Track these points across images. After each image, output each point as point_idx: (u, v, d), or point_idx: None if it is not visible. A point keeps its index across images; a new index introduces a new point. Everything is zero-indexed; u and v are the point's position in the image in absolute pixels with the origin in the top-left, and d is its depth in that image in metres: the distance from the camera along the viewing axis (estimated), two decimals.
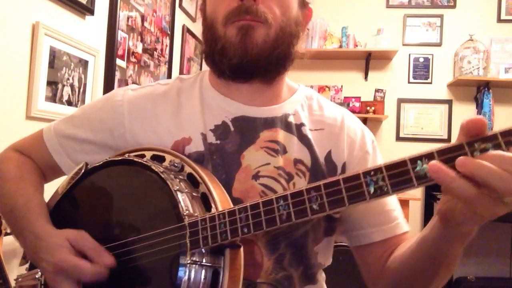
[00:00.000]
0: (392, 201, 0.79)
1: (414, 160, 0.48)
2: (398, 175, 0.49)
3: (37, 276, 0.72)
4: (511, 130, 0.44)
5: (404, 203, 3.00)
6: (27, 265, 0.78)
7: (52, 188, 0.82)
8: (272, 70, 0.76)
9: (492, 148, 0.45)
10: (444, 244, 0.59)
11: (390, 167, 0.49)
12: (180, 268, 0.58)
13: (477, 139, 0.46)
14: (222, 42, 0.71)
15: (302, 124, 0.78)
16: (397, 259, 0.72)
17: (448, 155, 0.47)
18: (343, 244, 1.77)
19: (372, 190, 0.50)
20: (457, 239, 0.57)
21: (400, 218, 0.79)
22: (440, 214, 0.55)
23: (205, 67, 0.82)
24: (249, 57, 0.71)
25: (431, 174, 0.46)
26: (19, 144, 0.87)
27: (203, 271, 0.59)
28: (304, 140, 0.77)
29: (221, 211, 0.60)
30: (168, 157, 0.72)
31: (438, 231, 0.58)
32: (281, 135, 0.76)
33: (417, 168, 0.48)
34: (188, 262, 0.58)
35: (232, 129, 0.76)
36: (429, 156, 0.47)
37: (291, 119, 0.78)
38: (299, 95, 0.83)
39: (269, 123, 0.77)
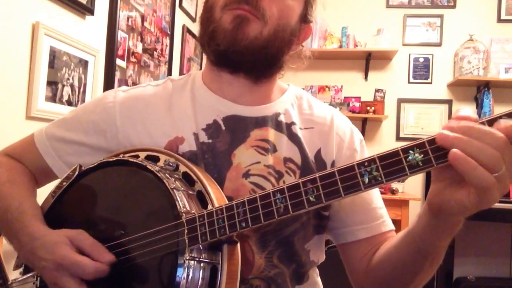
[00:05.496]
0: (377, 200, 0.80)
1: (406, 150, 0.50)
2: (391, 165, 0.51)
3: (32, 279, 0.71)
4: (496, 117, 0.47)
5: (404, 203, 3.00)
6: (21, 269, 0.76)
7: (44, 192, 0.81)
8: (258, 68, 0.76)
9: None
10: (431, 237, 0.59)
11: (383, 157, 0.51)
12: (179, 265, 0.58)
13: None
14: (215, 26, 0.71)
15: (292, 123, 0.79)
16: (382, 255, 0.73)
17: (437, 144, 0.49)
18: None
19: (366, 180, 0.52)
20: (446, 231, 0.58)
21: (385, 217, 0.80)
22: (431, 205, 0.55)
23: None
24: (236, 47, 0.70)
25: (451, 161, 0.47)
26: (9, 149, 0.86)
27: (202, 267, 0.59)
28: (294, 138, 0.77)
29: (218, 206, 0.60)
30: (163, 157, 0.72)
31: (426, 223, 0.58)
32: (271, 134, 0.76)
33: (409, 158, 0.50)
34: (187, 258, 0.58)
35: (223, 128, 0.76)
36: (420, 146, 0.50)
37: (282, 118, 0.79)
38: (289, 94, 0.84)
39: (260, 122, 0.77)
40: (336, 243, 0.83)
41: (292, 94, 0.84)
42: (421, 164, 0.49)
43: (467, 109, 0.49)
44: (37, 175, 0.84)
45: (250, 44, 0.71)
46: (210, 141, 0.75)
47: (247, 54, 0.72)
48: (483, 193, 0.47)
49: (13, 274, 0.77)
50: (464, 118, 0.48)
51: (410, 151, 0.50)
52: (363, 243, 0.77)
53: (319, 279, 0.85)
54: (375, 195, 0.80)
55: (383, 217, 0.79)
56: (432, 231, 0.58)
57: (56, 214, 0.75)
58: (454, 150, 0.46)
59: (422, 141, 0.50)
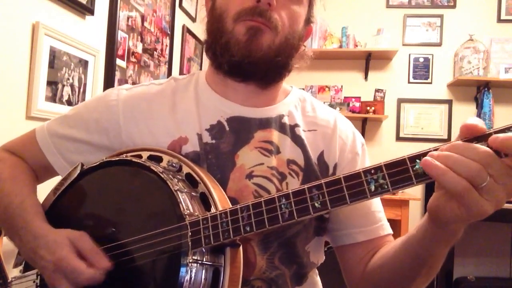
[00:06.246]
0: (376, 203, 0.80)
1: (413, 159, 0.50)
2: (398, 174, 0.51)
3: (32, 278, 0.71)
4: (504, 129, 0.47)
5: (404, 203, 3.00)
6: (21, 267, 0.76)
7: (45, 189, 0.80)
8: (269, 76, 0.77)
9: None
10: (430, 243, 0.60)
11: (390, 165, 0.51)
12: (182, 268, 0.58)
13: (471, 138, 0.49)
14: (228, 37, 0.72)
15: (296, 125, 0.79)
16: (380, 259, 0.73)
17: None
18: None
19: (373, 188, 0.52)
20: (444, 239, 0.58)
21: (384, 220, 0.80)
22: (430, 212, 0.55)
23: (205, 67, 0.83)
24: (251, 58, 0.71)
25: (424, 168, 0.48)
26: (10, 144, 0.86)
27: (204, 270, 0.59)
28: (297, 140, 0.78)
29: (222, 210, 0.60)
30: (166, 158, 0.72)
31: (425, 230, 0.59)
32: (275, 135, 0.77)
33: (416, 167, 0.50)
34: (190, 261, 0.58)
35: (227, 128, 0.76)
36: (426, 155, 0.50)
37: (286, 120, 0.79)
38: (293, 97, 0.84)
39: (264, 123, 0.77)
40: (334, 245, 0.83)
41: (296, 97, 0.84)
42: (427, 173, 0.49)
43: (475, 118, 0.49)
44: (38, 171, 0.84)
45: (264, 54, 0.71)
46: (214, 141, 0.75)
47: (260, 64, 0.72)
48: (462, 199, 0.48)
49: (13, 272, 0.77)
50: (472, 126, 0.49)
51: (417, 160, 0.50)
52: (361, 246, 0.78)
53: (318, 279, 0.85)
54: (374, 199, 0.80)
55: (382, 220, 0.79)
56: (431, 238, 0.59)
57: (57, 213, 0.75)
58: (426, 158, 0.48)
59: (429, 150, 0.50)
